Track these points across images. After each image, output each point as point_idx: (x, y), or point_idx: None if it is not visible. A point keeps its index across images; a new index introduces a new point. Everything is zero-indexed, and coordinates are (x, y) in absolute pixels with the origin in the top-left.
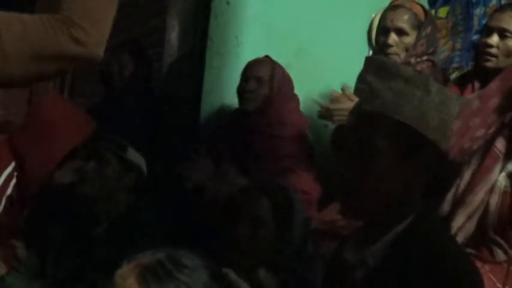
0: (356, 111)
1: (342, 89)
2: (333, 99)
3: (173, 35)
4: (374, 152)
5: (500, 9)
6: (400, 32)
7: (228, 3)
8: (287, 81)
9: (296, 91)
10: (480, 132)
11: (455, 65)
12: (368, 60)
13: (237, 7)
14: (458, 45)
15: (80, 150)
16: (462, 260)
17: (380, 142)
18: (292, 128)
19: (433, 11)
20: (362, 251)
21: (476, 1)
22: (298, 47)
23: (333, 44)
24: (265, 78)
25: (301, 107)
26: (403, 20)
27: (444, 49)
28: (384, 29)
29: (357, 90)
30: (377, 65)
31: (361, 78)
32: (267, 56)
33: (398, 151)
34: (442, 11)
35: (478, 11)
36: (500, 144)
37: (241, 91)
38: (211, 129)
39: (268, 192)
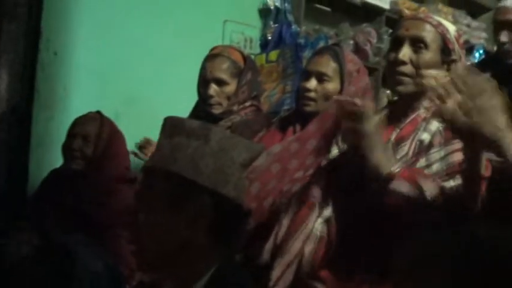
0: (142, 168)
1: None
2: (146, 147)
3: (2, 87)
4: (151, 203)
5: (319, 52)
6: (220, 82)
7: (55, 53)
8: (116, 138)
9: (127, 140)
10: (299, 174)
11: (286, 107)
12: (164, 120)
13: (65, 57)
14: (288, 88)
15: None
16: None
17: (155, 194)
18: (117, 195)
19: (264, 55)
20: None
21: (304, 44)
22: (129, 95)
23: (165, 91)
24: (91, 137)
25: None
26: (221, 70)
27: (275, 92)
28: (204, 80)
29: None
30: (168, 124)
31: None
32: (98, 112)
33: (173, 200)
34: (273, 55)
35: (306, 54)
36: (316, 192)
37: (65, 149)
38: (37, 187)
39: (47, 257)
